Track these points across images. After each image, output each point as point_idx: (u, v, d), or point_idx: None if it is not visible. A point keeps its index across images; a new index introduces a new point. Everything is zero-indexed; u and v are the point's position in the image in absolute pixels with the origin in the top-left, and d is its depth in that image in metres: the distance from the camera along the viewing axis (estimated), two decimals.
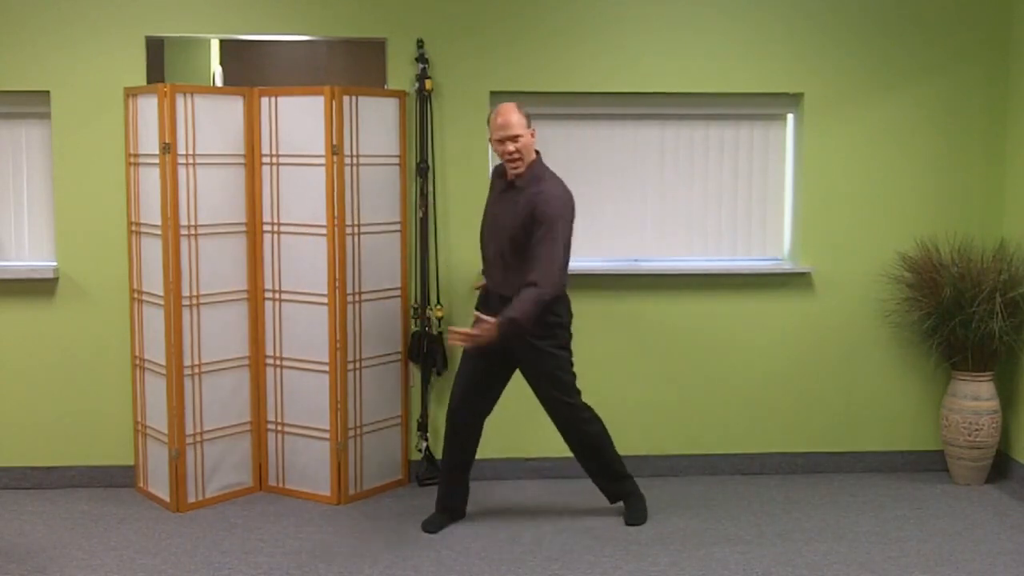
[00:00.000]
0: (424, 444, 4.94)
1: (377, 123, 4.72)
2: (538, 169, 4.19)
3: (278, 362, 4.76)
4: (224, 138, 4.63)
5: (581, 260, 5.03)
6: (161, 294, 4.53)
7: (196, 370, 4.61)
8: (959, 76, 5.04)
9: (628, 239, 5.11)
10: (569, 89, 4.92)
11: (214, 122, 4.58)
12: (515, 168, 4.16)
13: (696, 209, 5.11)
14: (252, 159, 4.69)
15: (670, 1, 4.91)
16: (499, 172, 4.31)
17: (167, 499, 4.63)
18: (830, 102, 5.01)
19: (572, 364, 4.31)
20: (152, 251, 4.59)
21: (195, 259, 4.56)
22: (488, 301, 4.29)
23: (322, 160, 4.55)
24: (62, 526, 4.42)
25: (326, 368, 4.64)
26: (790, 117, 5.10)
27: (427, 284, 4.85)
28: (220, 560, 4.06)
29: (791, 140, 5.11)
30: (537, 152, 4.24)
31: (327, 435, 4.69)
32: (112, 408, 4.86)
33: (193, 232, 4.55)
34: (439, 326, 4.87)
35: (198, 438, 4.64)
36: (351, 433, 4.73)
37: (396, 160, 4.82)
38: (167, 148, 4.44)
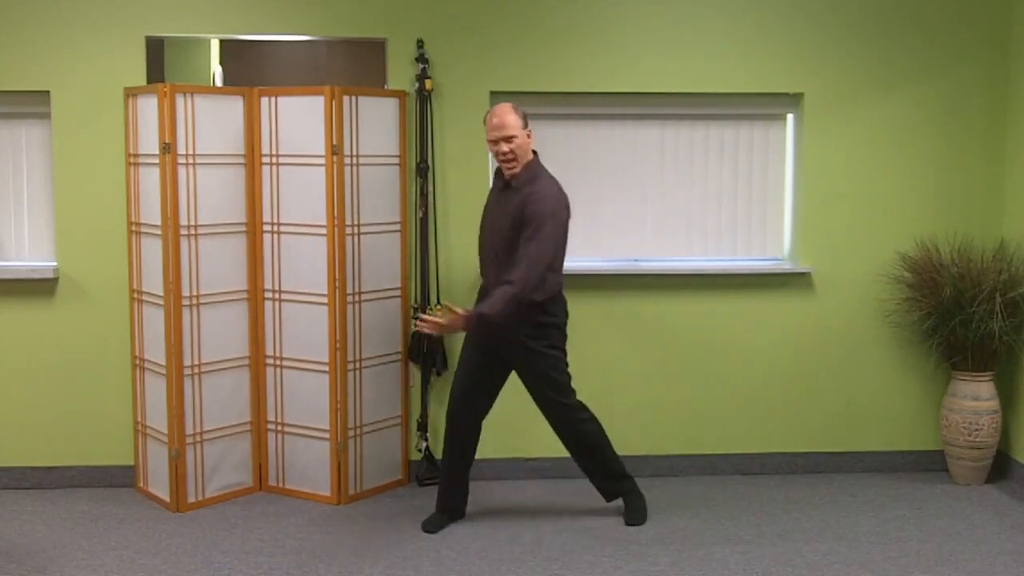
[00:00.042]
0: (424, 444, 4.94)
1: (377, 123, 4.72)
2: (534, 170, 4.19)
3: (278, 362, 4.76)
4: (224, 138, 4.63)
5: (581, 260, 5.03)
6: (161, 294, 4.53)
7: (196, 370, 4.61)
8: (959, 76, 5.04)
9: (628, 239, 5.11)
10: (569, 89, 4.92)
11: (214, 122, 4.58)
12: (510, 168, 4.17)
13: (696, 209, 5.11)
14: (252, 159, 4.69)
15: (670, 1, 4.91)
16: (499, 172, 4.31)
17: (167, 499, 4.63)
18: (830, 102, 5.01)
19: (567, 364, 4.32)
20: (152, 251, 4.59)
21: (195, 259, 4.56)
22: (481, 296, 4.30)
23: (322, 160, 4.55)
24: (62, 526, 4.42)
25: (326, 368, 4.65)
26: (790, 117, 5.10)
27: (427, 284, 4.85)
28: (220, 560, 4.06)
29: (791, 140, 5.11)
30: (535, 152, 4.24)
31: (327, 435, 4.69)
32: (112, 408, 4.86)
33: (193, 232, 4.55)
34: None
35: (198, 438, 4.65)
36: (351, 433, 4.73)
37: (396, 160, 4.82)
38: (167, 148, 4.44)
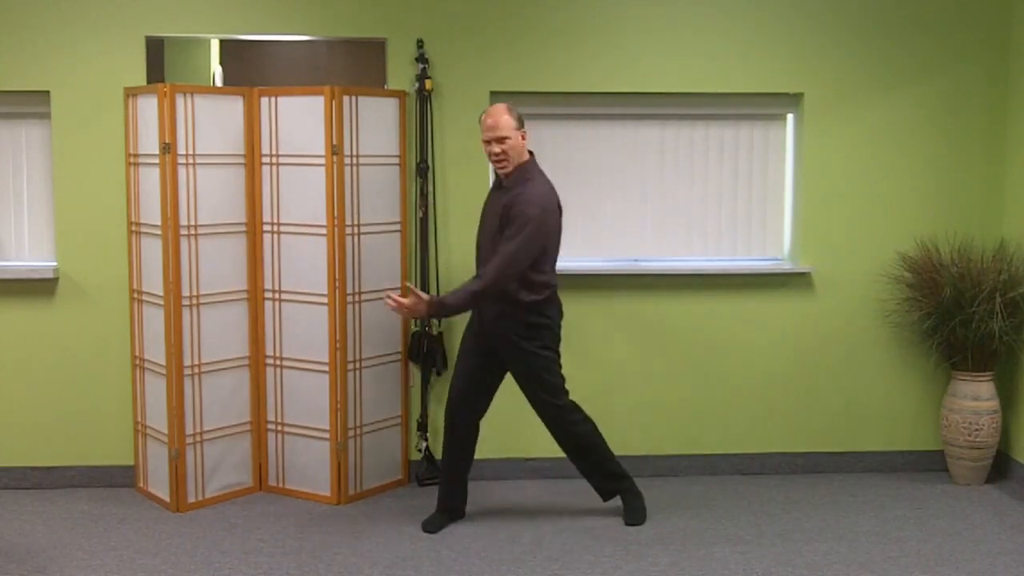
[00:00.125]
0: (424, 444, 4.94)
1: (377, 123, 4.72)
2: (528, 171, 4.19)
3: (278, 362, 4.76)
4: (224, 138, 4.63)
5: (581, 260, 5.03)
6: (161, 294, 4.53)
7: (196, 370, 4.61)
8: (959, 76, 5.04)
9: (628, 239, 5.11)
10: (569, 89, 4.92)
11: (214, 122, 4.58)
12: (501, 169, 4.18)
13: (696, 209, 5.11)
14: (252, 159, 4.69)
15: (670, 1, 4.91)
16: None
17: (167, 499, 4.63)
18: (830, 102, 5.01)
19: (560, 366, 4.32)
20: (152, 251, 4.59)
21: (195, 259, 4.56)
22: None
23: (322, 160, 4.55)
24: (62, 526, 4.42)
25: (326, 368, 4.65)
26: (790, 117, 5.10)
27: (427, 284, 4.85)
28: (220, 560, 4.06)
29: (791, 140, 5.11)
30: (531, 153, 4.24)
31: (327, 435, 4.69)
32: (112, 408, 4.86)
33: (193, 232, 4.55)
34: (439, 326, 4.87)
35: (198, 438, 4.64)
36: (351, 433, 4.73)
37: (396, 160, 4.82)
38: (167, 148, 4.44)
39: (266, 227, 4.72)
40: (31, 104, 4.79)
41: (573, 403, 4.36)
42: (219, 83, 5.86)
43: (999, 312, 4.72)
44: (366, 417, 4.79)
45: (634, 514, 4.46)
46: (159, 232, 4.51)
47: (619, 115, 5.03)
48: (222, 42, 5.79)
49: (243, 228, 4.71)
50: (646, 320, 5.04)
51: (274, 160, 4.67)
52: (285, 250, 4.69)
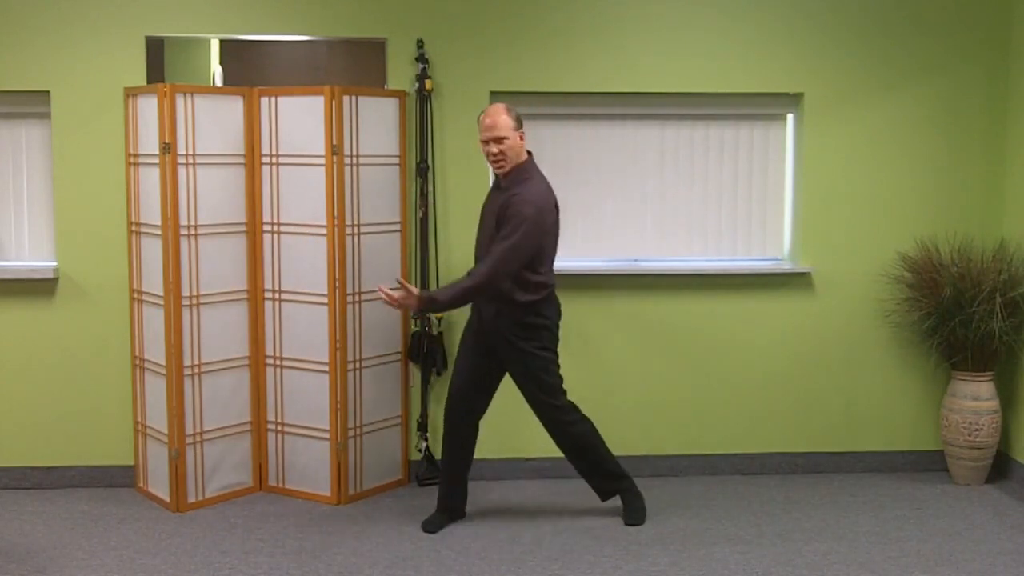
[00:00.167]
0: (424, 444, 4.94)
1: (377, 123, 4.72)
2: (526, 171, 4.19)
3: (278, 362, 4.76)
4: (224, 138, 4.63)
5: (581, 260, 5.04)
6: (161, 294, 4.53)
7: (196, 370, 4.61)
8: (959, 76, 5.04)
9: (628, 239, 5.11)
10: (569, 89, 4.92)
11: (214, 122, 4.58)
12: (499, 168, 4.19)
13: (696, 209, 5.11)
14: (252, 159, 4.69)
15: (670, 1, 4.91)
16: None
17: (167, 499, 4.63)
18: (830, 102, 5.01)
19: (558, 366, 4.32)
20: (152, 251, 4.59)
21: (195, 259, 4.56)
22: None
23: (322, 160, 4.55)
24: (62, 526, 4.42)
25: (326, 368, 4.65)
26: (790, 117, 5.10)
27: (427, 284, 4.85)
28: (220, 560, 4.06)
29: (791, 140, 5.11)
30: (529, 153, 4.25)
31: (327, 435, 4.69)
32: (112, 408, 4.86)
33: (193, 232, 4.55)
34: (439, 326, 4.88)
35: (198, 438, 4.64)
36: (351, 433, 4.73)
37: (396, 160, 4.82)
38: (167, 148, 4.44)
39: (266, 227, 4.72)
40: (31, 104, 4.79)
41: (571, 403, 4.36)
42: (219, 83, 5.86)
43: (999, 312, 4.72)
44: (366, 417, 4.79)
45: (634, 514, 4.46)
46: (159, 232, 4.51)
47: (619, 115, 5.03)
48: (222, 42, 5.79)
49: (243, 228, 4.71)
50: (646, 320, 5.04)
51: (274, 160, 4.67)
52: (285, 250, 4.69)
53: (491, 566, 4.01)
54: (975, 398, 4.90)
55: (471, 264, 4.73)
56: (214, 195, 4.60)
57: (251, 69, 6.10)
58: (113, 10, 4.71)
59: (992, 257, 4.90)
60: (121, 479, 4.90)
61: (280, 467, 4.83)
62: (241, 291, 4.73)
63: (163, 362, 4.56)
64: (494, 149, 4.14)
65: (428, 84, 4.77)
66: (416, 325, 4.87)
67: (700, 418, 5.11)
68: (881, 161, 5.05)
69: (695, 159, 5.09)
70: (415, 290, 4.14)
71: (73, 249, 4.80)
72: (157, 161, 4.47)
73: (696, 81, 4.95)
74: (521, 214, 4.06)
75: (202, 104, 4.54)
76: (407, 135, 4.84)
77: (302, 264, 4.65)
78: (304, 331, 4.68)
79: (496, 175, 4.27)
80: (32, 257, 4.91)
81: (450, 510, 4.45)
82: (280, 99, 4.64)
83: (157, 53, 4.99)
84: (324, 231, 4.58)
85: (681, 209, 5.11)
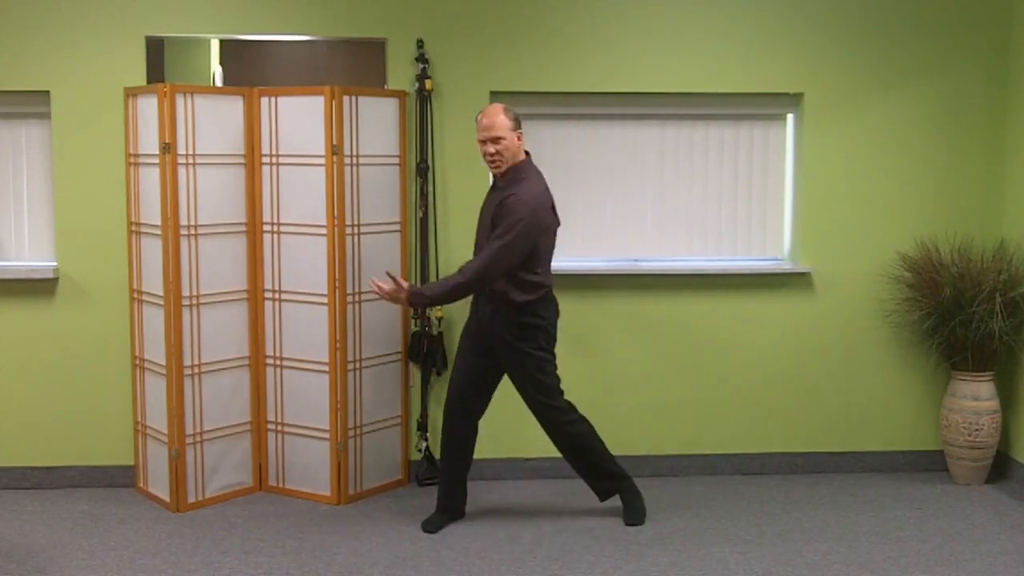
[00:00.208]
0: (424, 444, 4.94)
1: (377, 123, 4.72)
2: (523, 171, 4.20)
3: (278, 362, 4.76)
4: (224, 138, 4.63)
5: (581, 260, 5.04)
6: (161, 294, 4.53)
7: (196, 370, 4.61)
8: (959, 76, 5.04)
9: (628, 239, 5.11)
10: (569, 89, 4.92)
11: (214, 122, 4.58)
12: (496, 169, 4.20)
13: (696, 209, 5.11)
14: (252, 159, 4.70)
15: (670, 1, 4.91)
16: None
17: (167, 499, 4.63)
18: (830, 102, 5.01)
19: (555, 367, 4.32)
20: (152, 251, 4.59)
21: (195, 259, 4.56)
22: (476, 295, 4.32)
23: (322, 160, 4.55)
24: (62, 526, 4.42)
25: (326, 368, 4.65)
26: (790, 117, 5.10)
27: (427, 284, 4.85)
28: (220, 560, 4.06)
29: (791, 140, 5.11)
30: (528, 153, 4.25)
31: (327, 435, 4.69)
32: (112, 408, 4.86)
33: (193, 232, 4.55)
34: (439, 326, 4.88)
35: (198, 438, 4.65)
36: (351, 433, 4.73)
37: (396, 160, 4.82)
38: (167, 148, 4.44)
39: (266, 227, 4.72)
40: (31, 104, 4.79)
41: (568, 403, 4.36)
42: (219, 83, 5.87)
43: (999, 312, 4.72)
44: (366, 417, 4.79)
45: (634, 514, 4.46)
46: (159, 232, 4.51)
47: (619, 115, 5.04)
48: (222, 42, 5.79)
49: (243, 228, 4.71)
50: (646, 320, 5.04)
51: (274, 160, 4.67)
52: (285, 250, 4.69)
53: (491, 566, 4.01)
54: (975, 398, 4.90)
55: None
56: (214, 195, 4.60)
57: (251, 69, 6.10)
58: (113, 10, 4.71)
59: (992, 257, 4.90)
60: (121, 479, 4.90)
61: (280, 467, 4.83)
62: (241, 291, 4.73)
63: (163, 362, 4.56)
64: (491, 149, 4.14)
65: (428, 84, 4.77)
66: (416, 325, 4.87)
67: (700, 418, 5.11)
68: (881, 161, 5.05)
69: (695, 159, 5.09)
70: (404, 283, 4.16)
71: (73, 249, 4.80)
72: (157, 161, 4.47)
73: (696, 81, 4.95)
74: (515, 214, 4.06)
75: (202, 104, 4.54)
76: (407, 135, 4.84)
77: (302, 264, 4.65)
78: (304, 331, 4.68)
79: (493, 175, 4.28)
80: (32, 257, 4.91)
81: (450, 510, 4.45)
82: (280, 99, 4.64)
83: (157, 53, 5.00)
84: (324, 231, 4.58)
85: (681, 209, 5.11)
